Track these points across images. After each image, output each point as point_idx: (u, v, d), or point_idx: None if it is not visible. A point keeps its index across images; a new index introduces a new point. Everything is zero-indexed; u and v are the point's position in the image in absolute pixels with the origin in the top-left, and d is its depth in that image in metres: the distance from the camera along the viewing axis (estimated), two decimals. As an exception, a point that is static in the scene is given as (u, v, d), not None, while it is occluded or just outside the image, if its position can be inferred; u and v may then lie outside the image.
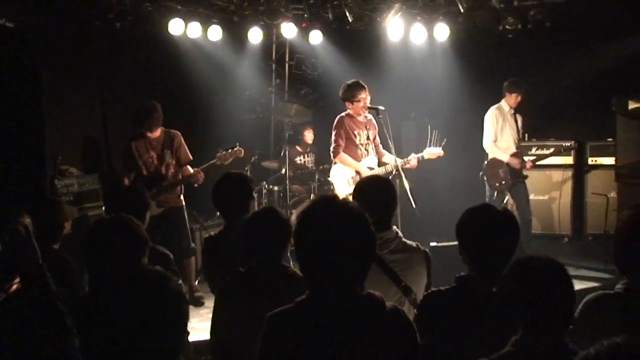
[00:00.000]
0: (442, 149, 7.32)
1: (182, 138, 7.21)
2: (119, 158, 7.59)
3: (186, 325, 2.19)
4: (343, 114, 7.27)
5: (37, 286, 2.76)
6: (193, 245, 7.31)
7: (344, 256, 2.25)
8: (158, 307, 2.05)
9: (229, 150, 7.03)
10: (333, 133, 7.24)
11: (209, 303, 6.90)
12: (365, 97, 7.07)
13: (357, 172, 7.18)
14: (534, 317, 2.41)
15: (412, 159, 7.19)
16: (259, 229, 3.53)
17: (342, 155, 7.19)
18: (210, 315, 6.48)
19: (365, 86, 7.11)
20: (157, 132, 7.09)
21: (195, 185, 7.04)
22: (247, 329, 3.18)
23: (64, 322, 2.58)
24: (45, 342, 2.53)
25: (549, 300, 2.42)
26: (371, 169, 7.21)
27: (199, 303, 7.03)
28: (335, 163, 7.35)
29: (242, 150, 7.11)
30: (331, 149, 7.29)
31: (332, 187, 7.42)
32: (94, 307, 2.21)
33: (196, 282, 7.52)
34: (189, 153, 7.22)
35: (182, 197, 7.21)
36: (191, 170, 7.10)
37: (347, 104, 7.17)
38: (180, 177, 7.11)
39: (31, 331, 2.68)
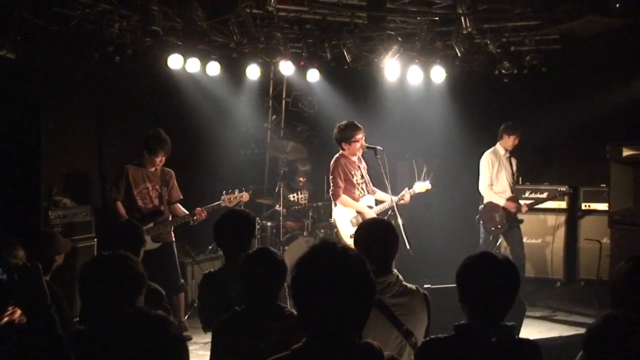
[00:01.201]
0: (430, 183, 7.42)
1: (174, 178, 7.35)
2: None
3: None
4: (338, 154, 7.27)
5: (43, 325, 2.75)
6: (182, 281, 7.31)
7: (342, 304, 2.21)
8: (158, 352, 2.03)
9: (235, 195, 7.26)
10: (331, 176, 7.24)
11: (198, 339, 6.86)
12: (361, 138, 7.11)
13: (359, 212, 7.18)
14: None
15: (406, 194, 7.27)
16: (254, 269, 3.52)
17: (343, 197, 7.19)
18: (199, 352, 6.50)
19: (361, 127, 7.14)
20: (161, 165, 7.17)
21: (192, 224, 7.10)
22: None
23: None
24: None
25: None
26: (370, 207, 7.24)
27: (186, 339, 6.97)
28: (335, 205, 7.35)
29: (248, 195, 7.35)
30: (330, 191, 7.29)
31: (335, 229, 7.39)
32: (91, 346, 2.18)
33: (185, 318, 7.50)
34: (179, 192, 7.37)
35: (172, 232, 7.24)
36: (182, 209, 7.27)
37: (343, 144, 7.18)
38: (172, 215, 7.22)
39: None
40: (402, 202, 7.23)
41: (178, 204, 7.35)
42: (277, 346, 2.42)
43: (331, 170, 7.25)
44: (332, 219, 7.44)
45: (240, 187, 9.02)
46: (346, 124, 7.17)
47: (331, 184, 7.26)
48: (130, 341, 2.03)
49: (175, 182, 7.35)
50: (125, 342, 2.03)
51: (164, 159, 7.15)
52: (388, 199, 7.17)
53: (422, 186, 7.41)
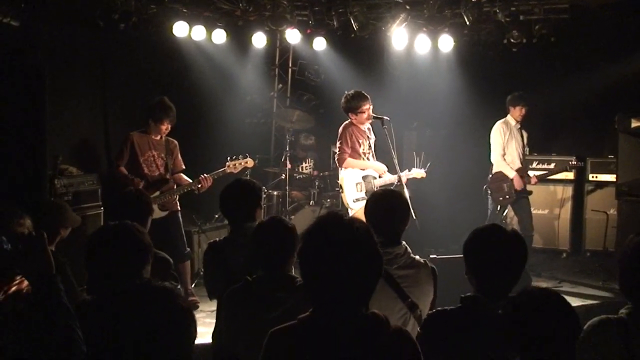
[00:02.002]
0: (425, 172, 7.36)
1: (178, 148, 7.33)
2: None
3: (193, 343, 2.17)
4: (347, 121, 7.25)
5: (49, 295, 2.75)
6: (188, 249, 7.33)
7: (349, 276, 2.23)
8: (165, 324, 2.03)
9: (240, 160, 7.19)
10: (338, 141, 7.23)
11: (204, 307, 6.89)
12: (368, 108, 7.07)
13: (364, 178, 7.15)
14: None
15: (403, 176, 7.17)
16: (266, 238, 3.51)
17: (349, 159, 7.17)
18: (206, 320, 6.54)
19: (368, 96, 7.10)
20: (166, 133, 7.15)
21: (197, 192, 7.09)
22: (251, 338, 3.17)
23: (72, 332, 2.56)
24: (53, 350, 2.52)
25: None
26: (373, 178, 7.22)
27: (193, 307, 7.02)
28: (341, 169, 7.32)
29: (252, 161, 7.25)
30: (336, 156, 7.28)
31: (341, 191, 7.39)
32: (98, 317, 2.19)
33: (192, 286, 7.54)
34: (182, 162, 7.36)
35: (177, 201, 7.25)
36: (185, 178, 7.22)
37: (350, 114, 7.17)
38: (176, 185, 7.19)
39: (39, 338, 2.68)
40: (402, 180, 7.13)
41: (182, 174, 7.32)
42: (286, 317, 2.42)
43: (339, 135, 7.24)
44: (339, 181, 7.41)
45: (244, 155, 9.06)
46: (353, 93, 7.13)
47: (337, 150, 7.24)
48: (136, 313, 2.03)
49: (179, 152, 7.34)
50: (130, 314, 2.03)
51: (169, 127, 7.13)
52: (390, 175, 7.17)
53: (418, 172, 7.35)
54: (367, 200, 3.97)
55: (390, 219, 3.64)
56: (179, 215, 7.25)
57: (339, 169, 7.34)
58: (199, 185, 7.03)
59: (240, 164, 7.18)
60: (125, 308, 2.03)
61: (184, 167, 7.37)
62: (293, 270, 3.51)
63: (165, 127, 7.09)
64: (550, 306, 2.47)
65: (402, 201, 3.81)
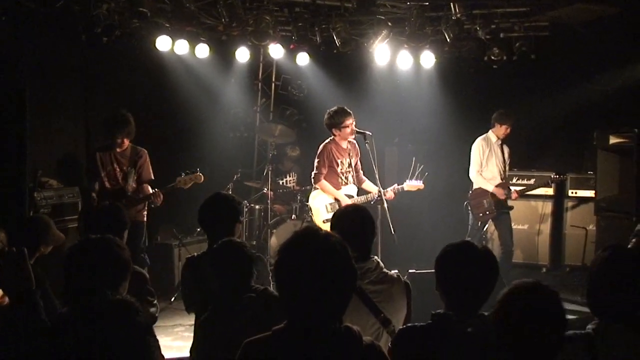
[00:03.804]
0: (423, 183, 7.37)
1: (147, 156, 7.25)
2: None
3: (153, 357, 2.15)
4: (328, 140, 7.30)
5: (27, 310, 2.74)
6: (146, 258, 7.19)
7: (324, 290, 2.25)
8: (122, 339, 2.00)
9: (189, 175, 7.06)
10: (316, 160, 7.28)
11: (182, 320, 6.90)
12: (351, 123, 7.12)
13: (336, 200, 7.22)
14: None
15: (389, 192, 7.18)
16: (220, 266, 3.59)
17: (323, 182, 7.26)
18: (184, 334, 6.54)
19: (351, 112, 7.15)
20: (125, 146, 7.09)
21: (153, 206, 7.07)
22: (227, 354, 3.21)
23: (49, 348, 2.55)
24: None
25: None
26: (350, 197, 7.28)
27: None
28: (315, 189, 7.39)
29: (202, 176, 7.10)
30: (312, 174, 7.35)
31: (310, 213, 7.46)
32: (64, 332, 2.17)
33: (172, 299, 7.55)
34: (151, 172, 7.28)
35: (144, 212, 7.22)
36: (149, 189, 7.13)
37: (334, 130, 7.21)
38: (141, 195, 7.11)
39: (16, 354, 2.66)
40: (384, 197, 7.06)
41: (147, 185, 7.19)
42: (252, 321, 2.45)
43: (317, 154, 7.30)
44: (308, 203, 7.49)
45: (230, 170, 9.06)
46: (336, 109, 7.18)
47: (314, 168, 7.30)
48: (94, 328, 2.00)
49: (147, 161, 7.23)
50: (89, 329, 2.00)
51: (125, 140, 7.05)
52: (375, 190, 7.19)
53: (414, 184, 7.35)
54: (333, 216, 3.98)
55: (359, 233, 3.64)
56: (143, 226, 7.20)
57: (313, 187, 7.40)
58: (152, 199, 6.97)
59: (190, 179, 7.03)
60: (84, 323, 2.01)
61: (151, 177, 7.25)
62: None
63: (120, 140, 7.00)
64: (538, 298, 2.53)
65: (367, 215, 3.81)
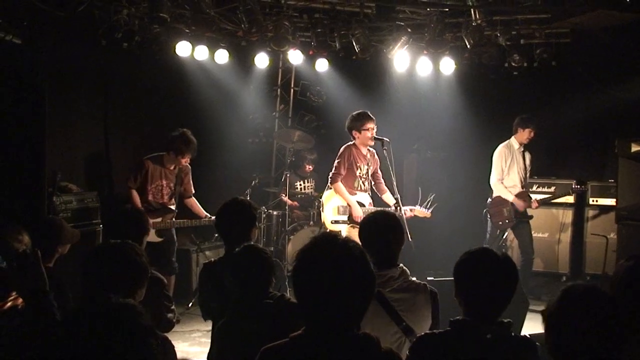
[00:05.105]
0: (431, 213, 7.31)
1: (190, 172, 7.46)
2: (120, 175, 7.71)
3: None
4: (350, 143, 7.27)
5: (40, 312, 2.75)
6: (176, 264, 7.34)
7: (341, 296, 2.24)
8: (124, 342, 1.98)
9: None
10: (337, 160, 7.25)
11: (200, 326, 6.91)
12: (373, 128, 7.12)
13: (348, 205, 7.18)
14: None
15: (407, 211, 7.12)
16: (240, 269, 3.57)
17: (339, 184, 7.21)
18: (202, 339, 6.54)
19: (373, 117, 7.14)
20: (175, 166, 7.25)
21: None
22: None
23: None
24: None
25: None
26: (362, 205, 7.21)
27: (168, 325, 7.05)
28: (329, 188, 7.37)
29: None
30: (330, 174, 7.30)
31: (321, 209, 7.44)
32: (65, 336, 2.15)
33: (190, 305, 7.60)
34: (192, 186, 7.48)
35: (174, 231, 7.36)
36: (197, 205, 7.44)
37: (354, 132, 7.20)
38: (189, 207, 7.46)
39: (32, 354, 2.66)
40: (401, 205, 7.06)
41: (193, 199, 7.48)
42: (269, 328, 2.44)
43: (338, 154, 7.28)
44: (322, 198, 7.45)
45: (248, 176, 9.08)
46: (359, 112, 7.23)
47: (333, 168, 7.26)
48: (96, 332, 1.98)
49: (190, 177, 7.46)
50: (90, 333, 1.98)
51: (189, 159, 7.26)
52: (391, 201, 7.19)
53: (422, 212, 7.29)
54: (361, 221, 3.95)
55: (385, 240, 3.61)
56: (173, 232, 7.32)
57: (327, 186, 7.38)
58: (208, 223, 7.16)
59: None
60: (86, 327, 2.00)
61: (193, 191, 7.50)
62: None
63: (186, 160, 7.22)
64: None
65: (396, 222, 3.78)
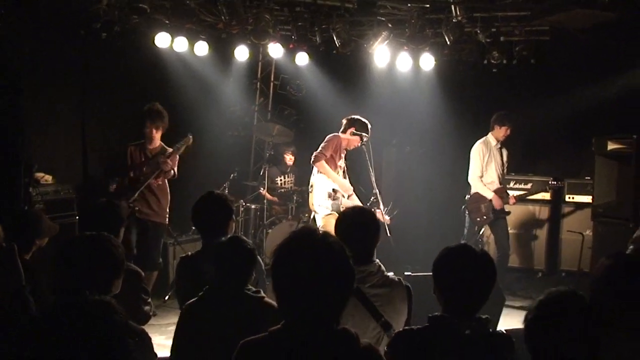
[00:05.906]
0: (390, 219, 7.28)
1: (177, 157, 7.25)
2: (97, 166, 7.60)
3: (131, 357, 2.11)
4: (338, 134, 7.23)
5: (16, 306, 2.72)
6: (161, 261, 7.31)
7: (321, 290, 2.23)
8: (99, 338, 1.97)
9: (180, 142, 7.17)
10: (324, 142, 7.13)
11: (175, 319, 6.79)
12: (363, 140, 7.11)
13: (334, 190, 7.11)
14: None
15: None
16: (225, 257, 3.52)
17: (324, 163, 7.07)
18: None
19: (370, 130, 7.18)
20: (156, 140, 7.15)
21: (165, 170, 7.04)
22: (207, 352, 3.17)
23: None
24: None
25: None
26: (342, 196, 7.18)
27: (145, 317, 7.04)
28: (315, 173, 7.25)
29: (191, 138, 7.23)
30: (315, 152, 7.11)
31: (310, 190, 7.32)
32: (41, 331, 2.13)
33: (167, 298, 7.59)
34: (176, 171, 7.25)
35: (167, 215, 7.25)
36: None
37: (350, 129, 7.16)
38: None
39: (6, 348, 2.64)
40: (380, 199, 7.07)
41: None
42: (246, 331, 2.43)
43: (326, 138, 7.17)
44: (311, 183, 7.33)
45: (227, 169, 9.02)
46: (365, 121, 7.21)
47: (319, 148, 7.12)
48: (71, 328, 1.97)
49: (176, 161, 7.23)
50: (65, 329, 1.96)
51: (154, 130, 7.10)
52: (357, 200, 7.17)
53: (384, 216, 7.17)
54: (338, 217, 3.94)
55: (362, 236, 3.61)
56: (164, 228, 7.26)
57: (313, 167, 7.26)
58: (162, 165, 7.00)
59: (182, 145, 7.16)
60: (61, 323, 1.98)
61: (176, 176, 7.30)
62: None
63: (149, 130, 7.05)
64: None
65: (373, 218, 3.78)
